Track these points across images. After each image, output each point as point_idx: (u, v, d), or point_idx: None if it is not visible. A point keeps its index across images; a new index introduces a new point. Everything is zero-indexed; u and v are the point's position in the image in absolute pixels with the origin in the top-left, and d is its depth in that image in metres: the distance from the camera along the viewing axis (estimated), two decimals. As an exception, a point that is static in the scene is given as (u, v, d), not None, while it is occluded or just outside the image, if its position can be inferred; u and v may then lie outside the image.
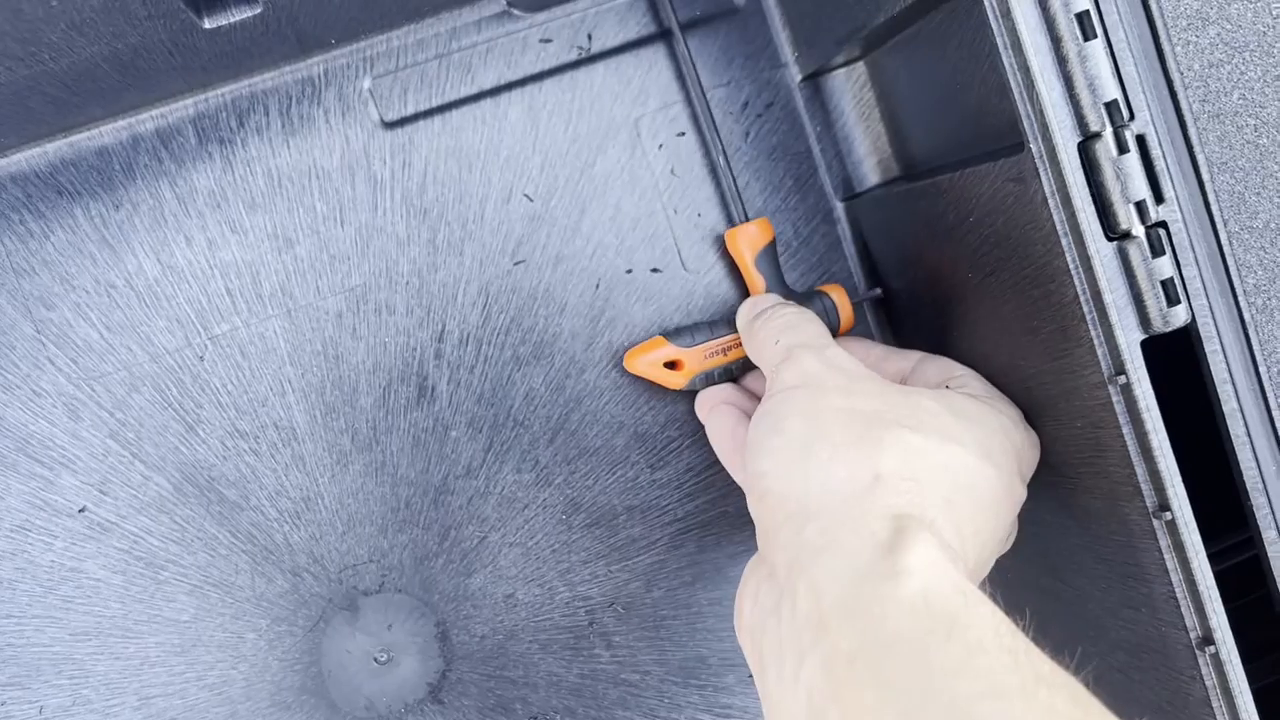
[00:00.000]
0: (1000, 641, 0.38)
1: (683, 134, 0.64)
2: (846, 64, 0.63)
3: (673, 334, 0.62)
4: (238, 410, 0.60)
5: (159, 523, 0.60)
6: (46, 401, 0.59)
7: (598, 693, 0.65)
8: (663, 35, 0.63)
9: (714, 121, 0.63)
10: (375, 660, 0.63)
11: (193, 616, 0.61)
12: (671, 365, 0.62)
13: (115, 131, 0.58)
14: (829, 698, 0.38)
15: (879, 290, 0.66)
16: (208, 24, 0.51)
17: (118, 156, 0.58)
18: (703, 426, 0.64)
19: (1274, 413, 0.48)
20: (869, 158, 0.65)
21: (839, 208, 0.66)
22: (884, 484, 0.45)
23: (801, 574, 0.42)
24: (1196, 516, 0.47)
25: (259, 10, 0.51)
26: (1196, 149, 0.47)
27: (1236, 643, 0.47)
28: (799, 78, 0.65)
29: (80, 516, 0.59)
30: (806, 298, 0.63)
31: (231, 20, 0.52)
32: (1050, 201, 0.46)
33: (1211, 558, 0.50)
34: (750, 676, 0.66)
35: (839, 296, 0.63)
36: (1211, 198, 0.47)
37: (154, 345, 0.59)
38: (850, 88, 0.64)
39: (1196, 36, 0.45)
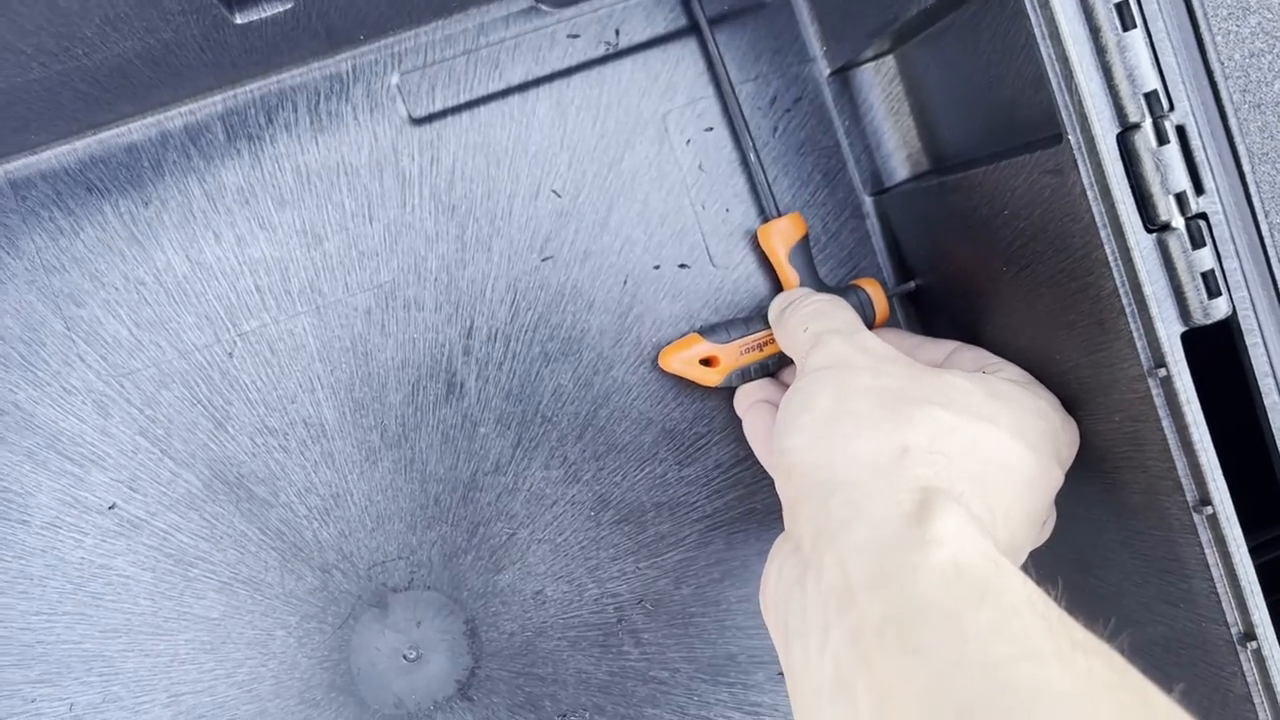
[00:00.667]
0: (1034, 608, 0.38)
1: (710, 129, 0.64)
2: (875, 58, 0.63)
3: (707, 330, 0.62)
4: (267, 407, 0.60)
5: (188, 519, 0.60)
6: (76, 399, 0.59)
7: (627, 690, 0.65)
8: (690, 30, 0.63)
9: (744, 116, 0.63)
10: (404, 657, 0.62)
11: (222, 613, 0.61)
12: (706, 362, 0.62)
13: (144, 128, 0.58)
14: (856, 668, 0.37)
15: (913, 283, 0.66)
16: (239, 19, 0.51)
17: (147, 153, 0.58)
18: (735, 422, 0.64)
19: (1316, 405, 0.47)
20: (898, 152, 0.64)
21: (868, 202, 0.66)
22: (911, 457, 0.44)
23: (828, 546, 0.42)
24: (1237, 510, 0.47)
25: (290, 5, 0.51)
26: (1237, 140, 0.46)
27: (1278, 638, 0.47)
28: (827, 72, 0.64)
29: (110, 513, 0.59)
30: (841, 293, 0.63)
31: (263, 15, 0.51)
32: (1089, 193, 0.45)
33: (1252, 551, 0.50)
34: (780, 674, 0.66)
35: (874, 290, 0.63)
36: (1253, 189, 0.46)
37: (183, 342, 0.59)
38: (879, 81, 0.64)
39: (1237, 26, 0.45)
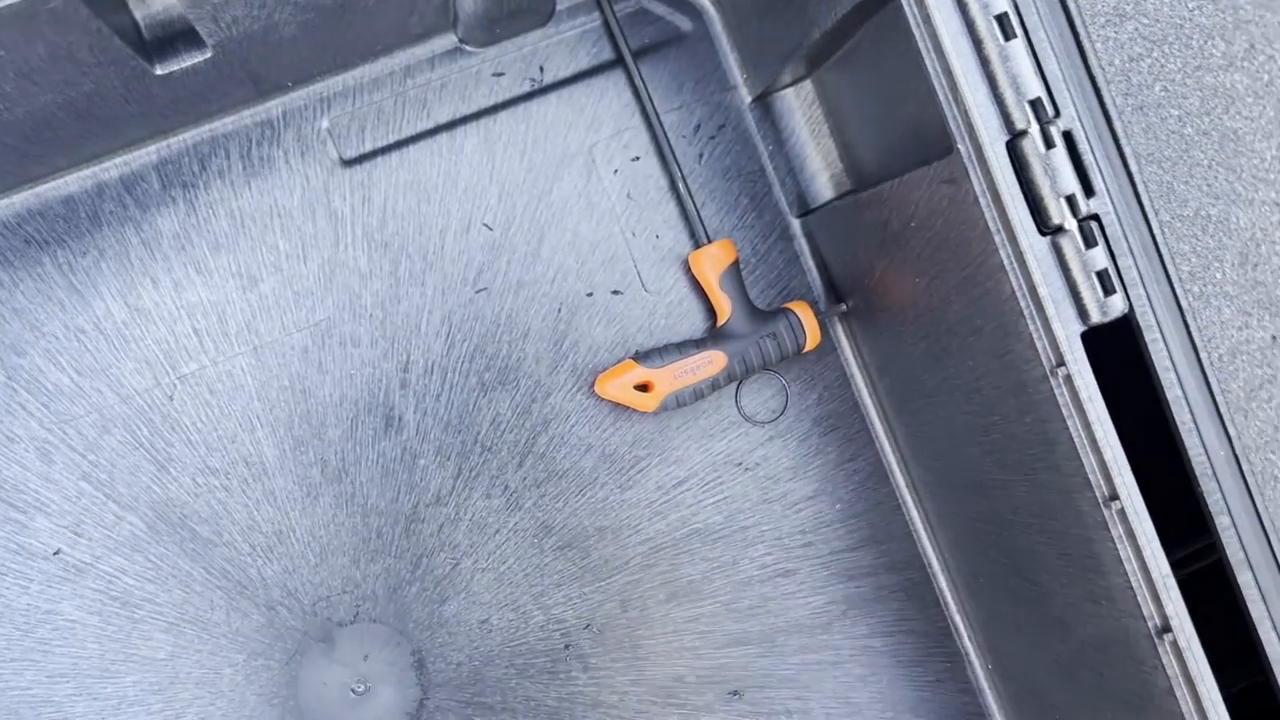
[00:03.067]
0: None
1: (637, 159, 0.65)
2: (794, 83, 0.65)
3: (642, 356, 0.63)
4: (208, 447, 0.61)
5: (133, 562, 0.61)
6: (19, 446, 0.60)
7: (576, 715, 0.65)
8: (613, 64, 0.65)
9: (670, 145, 0.64)
10: (352, 691, 0.63)
11: (169, 654, 0.61)
12: (642, 387, 0.63)
13: (80, 180, 0.60)
14: None
15: (844, 305, 0.67)
16: (159, 70, 0.53)
17: (84, 204, 0.60)
18: (673, 444, 0.65)
19: (1218, 399, 0.48)
20: (822, 173, 0.66)
21: (795, 224, 0.67)
22: None
23: None
24: (1169, 520, 0.47)
25: (209, 55, 0.53)
26: (1123, 142, 0.47)
27: (1209, 650, 0.47)
28: (749, 99, 0.66)
29: (55, 559, 0.60)
30: (772, 316, 0.64)
31: (183, 65, 0.53)
32: (981, 200, 0.47)
33: (1185, 560, 0.51)
34: (731, 693, 0.66)
35: (804, 313, 0.64)
36: (1141, 189, 0.48)
37: (124, 387, 0.60)
38: (800, 106, 0.65)
39: (1115, 32, 0.46)
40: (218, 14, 0.50)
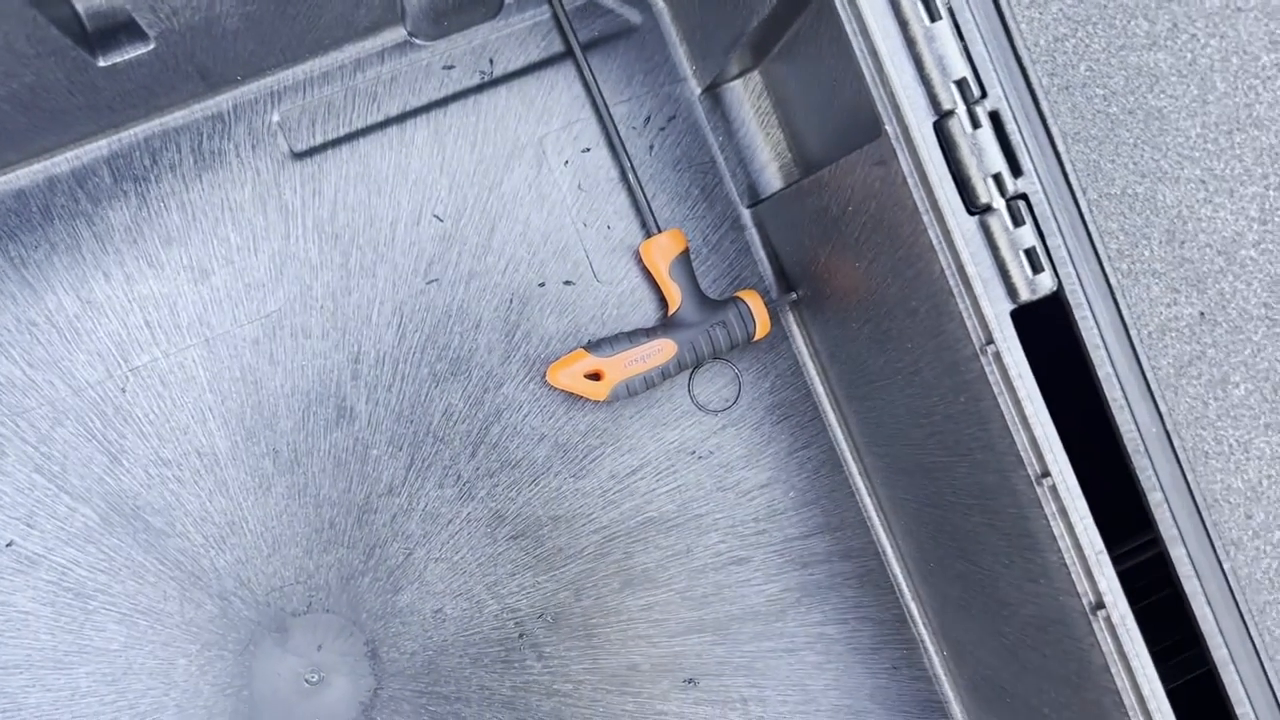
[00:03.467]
0: None
1: (588, 150, 0.66)
2: (742, 74, 0.65)
3: (593, 346, 0.64)
4: (160, 439, 0.62)
5: (86, 553, 0.61)
6: (-28, 439, 0.60)
7: (531, 705, 0.65)
8: (563, 56, 0.65)
9: (620, 136, 0.65)
10: (306, 681, 0.63)
11: (123, 645, 0.61)
12: (594, 376, 0.64)
13: (31, 174, 0.60)
14: None
15: (794, 294, 0.67)
16: (102, 62, 0.53)
17: (35, 198, 0.60)
18: (627, 433, 0.66)
19: (1148, 375, 0.48)
20: (771, 163, 0.66)
21: (746, 214, 0.67)
22: None
23: None
24: (1115, 515, 0.48)
25: (152, 46, 0.54)
26: (1050, 121, 0.48)
27: (1150, 641, 0.48)
28: (698, 90, 0.67)
29: (8, 551, 0.60)
30: (722, 305, 0.65)
31: (126, 57, 0.54)
32: (910, 180, 0.47)
33: (1127, 555, 0.51)
34: (686, 680, 0.66)
35: (754, 302, 0.65)
36: (1069, 168, 0.48)
37: (76, 379, 0.61)
38: (748, 97, 0.66)
39: (1039, 13, 0.47)
40: (156, 4, 0.50)
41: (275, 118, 0.63)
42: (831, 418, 0.68)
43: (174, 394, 0.62)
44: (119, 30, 0.53)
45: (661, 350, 0.63)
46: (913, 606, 0.68)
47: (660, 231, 0.65)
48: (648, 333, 0.64)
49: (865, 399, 0.63)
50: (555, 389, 0.65)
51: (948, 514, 0.58)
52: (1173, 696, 0.48)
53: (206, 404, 0.62)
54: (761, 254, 0.68)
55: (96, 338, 0.61)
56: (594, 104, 0.65)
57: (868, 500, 0.68)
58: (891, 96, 0.47)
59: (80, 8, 0.51)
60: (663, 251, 0.64)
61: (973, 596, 0.60)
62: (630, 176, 0.65)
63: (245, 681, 0.63)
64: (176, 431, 0.62)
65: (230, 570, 0.62)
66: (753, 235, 0.68)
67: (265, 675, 0.63)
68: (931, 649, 0.68)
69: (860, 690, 0.68)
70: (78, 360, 0.61)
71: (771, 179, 0.66)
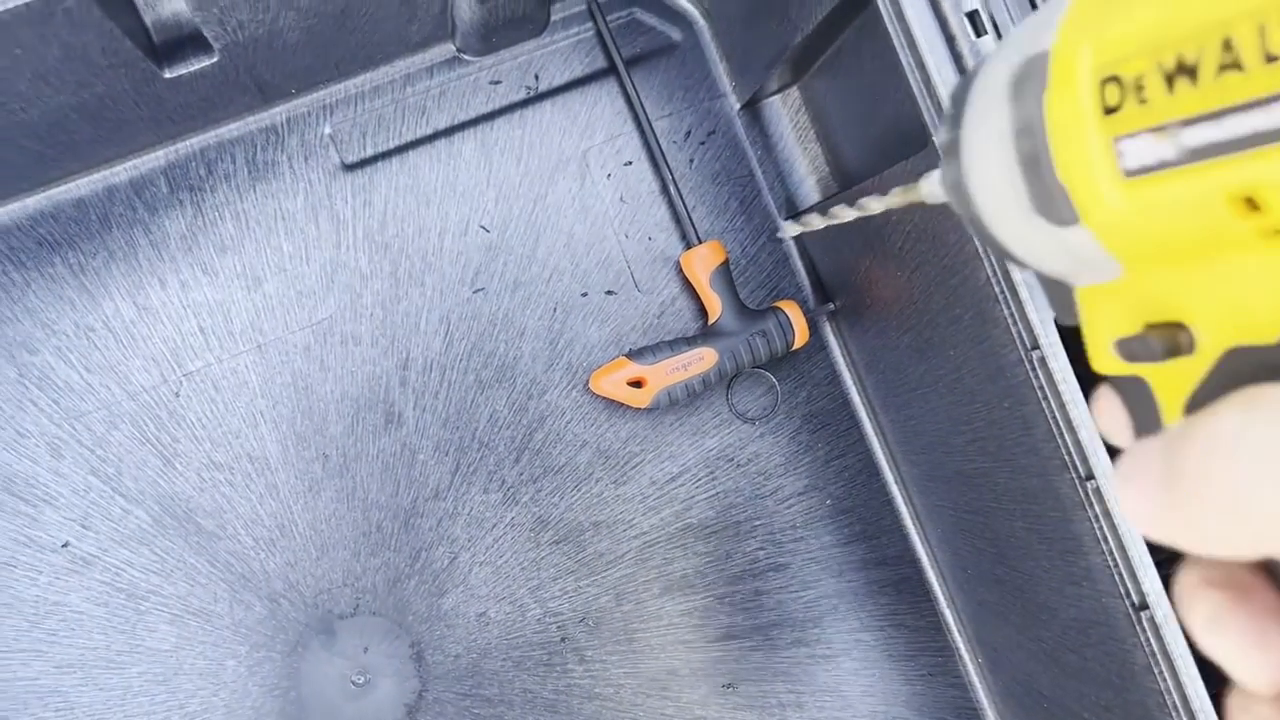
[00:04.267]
0: None
1: (630, 163, 0.67)
2: (781, 90, 0.67)
3: (635, 354, 0.65)
4: (213, 443, 0.63)
5: (139, 554, 0.62)
6: (30, 441, 0.61)
7: (572, 708, 0.66)
8: (606, 72, 0.67)
9: (662, 150, 0.66)
10: (353, 683, 0.64)
11: (174, 646, 0.62)
12: (635, 384, 0.65)
13: (91, 184, 0.62)
14: None
15: (832, 305, 0.69)
16: (168, 74, 0.55)
17: (94, 207, 0.62)
18: (666, 440, 0.67)
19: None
20: (809, 177, 0.68)
21: (784, 227, 0.69)
22: None
23: None
24: None
25: (216, 59, 0.55)
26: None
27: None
28: (738, 106, 0.68)
29: (63, 551, 0.62)
30: (761, 315, 0.66)
31: (190, 69, 0.55)
32: (957, 189, 0.49)
33: (1170, 557, 0.52)
34: (725, 686, 0.67)
35: (793, 312, 0.66)
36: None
37: (131, 383, 0.62)
38: (787, 112, 0.67)
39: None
40: (224, 17, 0.52)
41: (327, 130, 0.64)
42: (868, 426, 0.69)
43: (226, 399, 0.63)
44: (185, 43, 0.55)
45: (702, 359, 0.65)
46: (947, 613, 0.69)
47: (701, 243, 0.66)
48: (689, 341, 0.65)
49: (904, 407, 0.64)
50: (597, 396, 0.66)
51: (988, 520, 0.60)
52: (1215, 699, 0.49)
53: (258, 409, 0.63)
54: (799, 265, 0.69)
55: (152, 343, 0.63)
56: (636, 119, 0.67)
57: (903, 507, 0.69)
58: (939, 107, 0.48)
59: (149, 21, 0.53)
60: (703, 262, 0.66)
61: (1011, 601, 0.61)
62: (671, 189, 0.66)
63: (293, 683, 0.64)
64: (229, 435, 0.63)
65: (279, 573, 0.63)
66: (790, 246, 0.69)
67: (312, 677, 0.64)
68: (966, 655, 0.69)
69: (896, 697, 0.69)
70: (133, 365, 0.62)
71: (809, 192, 0.68)
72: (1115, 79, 0.24)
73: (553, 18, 0.66)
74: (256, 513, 0.63)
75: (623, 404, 0.66)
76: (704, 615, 0.67)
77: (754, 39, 0.63)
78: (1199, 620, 0.25)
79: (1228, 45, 0.21)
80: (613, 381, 0.65)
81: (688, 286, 0.68)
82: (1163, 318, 0.26)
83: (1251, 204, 0.22)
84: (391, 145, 0.65)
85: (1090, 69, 0.25)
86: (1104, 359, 0.28)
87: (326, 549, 0.64)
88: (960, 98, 0.31)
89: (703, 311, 0.68)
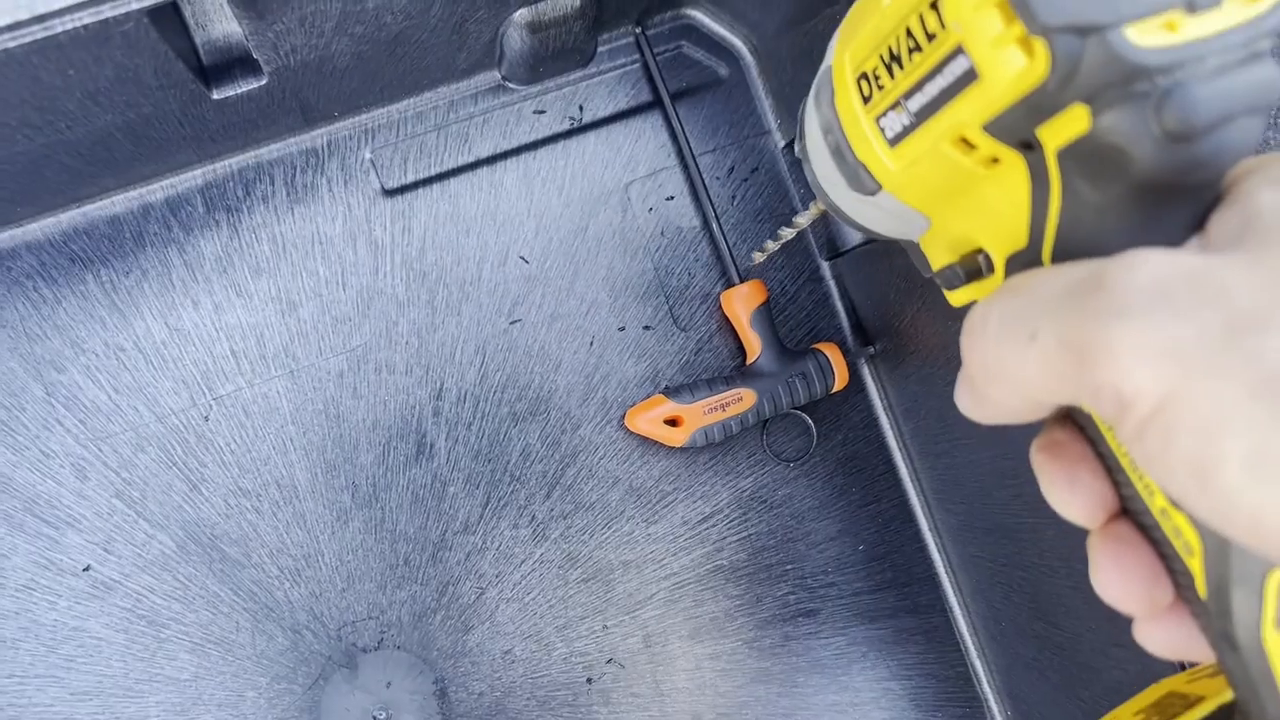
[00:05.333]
0: None
1: (672, 198, 0.66)
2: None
3: (672, 391, 0.64)
4: (240, 469, 0.62)
5: (162, 581, 0.61)
6: (55, 462, 0.60)
7: (596, 750, 0.65)
8: (651, 105, 0.66)
9: (705, 187, 0.65)
10: (374, 718, 0.63)
11: (193, 675, 0.61)
12: (672, 422, 0.64)
13: (127, 201, 0.61)
14: None
15: (872, 348, 0.68)
16: (216, 95, 0.54)
17: (129, 225, 0.61)
18: (700, 480, 0.66)
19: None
20: (852, 218, 0.67)
21: (825, 266, 0.68)
22: None
23: None
24: None
25: (264, 82, 0.54)
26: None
27: None
28: (782, 144, 0.67)
29: (84, 575, 0.60)
30: (801, 356, 0.65)
31: (239, 91, 0.54)
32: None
33: None
34: (749, 732, 0.66)
35: (833, 354, 0.65)
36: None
37: (160, 406, 0.61)
38: (832, 151, 0.66)
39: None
40: (278, 41, 0.51)
41: (368, 154, 0.63)
42: (904, 472, 0.68)
43: (257, 424, 0.62)
44: (234, 65, 0.54)
45: (741, 399, 0.64)
46: (978, 665, 0.68)
47: (742, 281, 0.66)
48: (727, 380, 0.64)
49: (943, 455, 0.64)
50: (632, 433, 0.65)
51: (1028, 575, 0.59)
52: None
53: (289, 435, 0.62)
54: (839, 306, 0.68)
55: (182, 365, 0.61)
56: (680, 153, 0.66)
57: (937, 556, 0.68)
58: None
59: (200, 42, 0.52)
60: (744, 301, 0.65)
61: (1049, 659, 0.60)
62: (714, 226, 0.66)
63: (313, 716, 0.62)
64: (257, 462, 0.62)
65: (304, 603, 0.62)
66: (830, 288, 0.68)
67: (333, 710, 0.62)
68: (995, 708, 0.68)
69: (923, 747, 0.68)
70: (163, 387, 0.61)
71: (851, 233, 0.67)
72: (864, 75, 0.32)
73: (599, 49, 0.65)
74: (283, 541, 0.62)
75: (658, 441, 0.65)
76: (732, 660, 0.66)
77: (805, 78, 0.62)
78: (1039, 478, 0.31)
79: (909, 33, 0.28)
80: (648, 419, 0.64)
81: (727, 325, 0.67)
82: (968, 248, 0.33)
83: (967, 143, 0.29)
84: (433, 172, 0.64)
85: (850, 71, 0.32)
86: (950, 295, 0.36)
87: (352, 580, 0.63)
88: (800, 117, 0.40)
89: (741, 350, 0.67)
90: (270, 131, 0.61)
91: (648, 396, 0.65)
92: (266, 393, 0.62)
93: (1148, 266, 0.23)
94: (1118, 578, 0.29)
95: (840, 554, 0.67)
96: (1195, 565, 0.27)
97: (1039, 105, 0.26)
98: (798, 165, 0.68)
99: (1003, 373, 0.26)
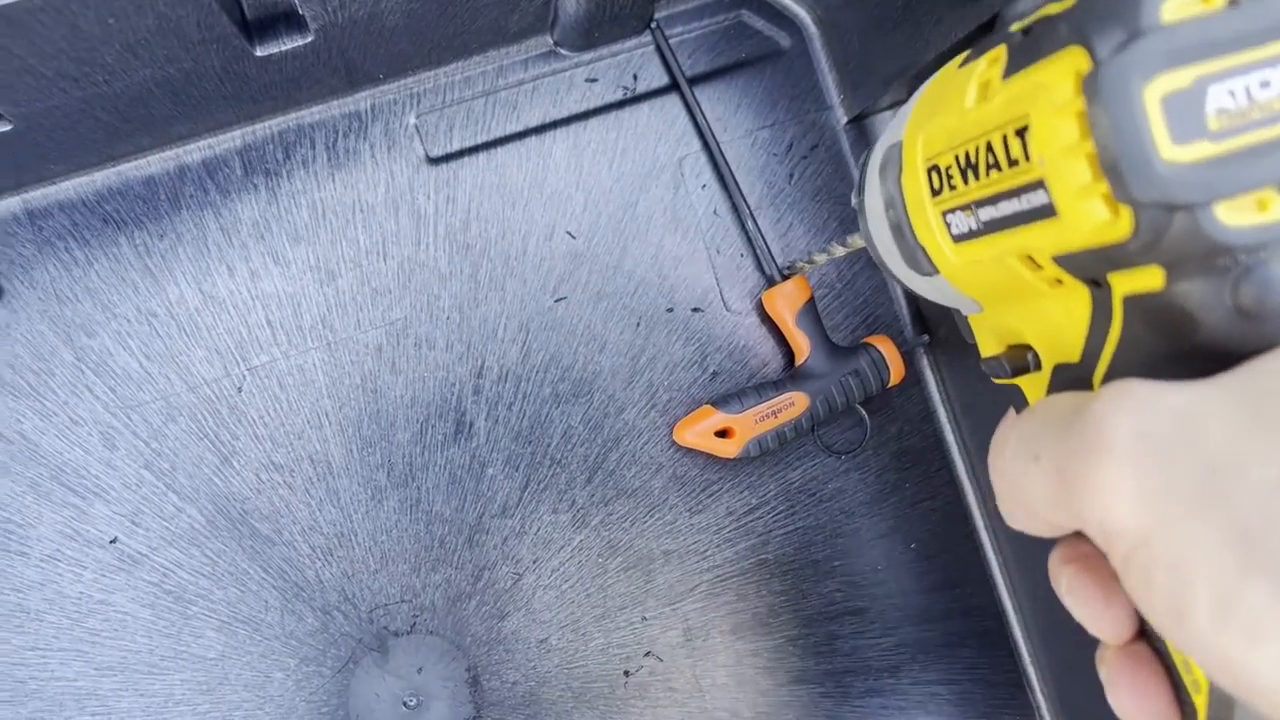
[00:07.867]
0: None
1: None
2: (892, 106, 0.63)
3: (720, 401, 0.61)
4: (273, 442, 0.60)
5: (190, 556, 0.59)
6: (83, 430, 0.58)
7: (632, 745, 0.63)
8: (708, 76, 0.63)
9: (738, 183, 0.62)
10: (404, 704, 0.61)
11: (220, 654, 0.59)
12: (722, 434, 0.61)
13: (163, 161, 0.59)
14: None
15: (927, 337, 0.65)
16: (259, 51, 0.51)
17: (164, 186, 0.59)
18: (746, 470, 0.63)
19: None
20: (915, 200, 0.64)
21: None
22: None
23: None
24: None
25: (310, 39, 0.52)
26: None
27: None
28: (844, 120, 0.64)
29: (111, 547, 0.58)
30: (853, 353, 0.62)
31: (283, 48, 0.52)
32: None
33: None
34: (790, 732, 0.64)
35: (886, 348, 0.62)
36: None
37: (192, 375, 0.59)
38: (896, 130, 0.63)
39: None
40: (327, -3, 0.49)
41: (413, 120, 0.61)
42: (960, 469, 0.65)
43: (291, 397, 0.60)
44: (279, 20, 0.51)
45: (793, 403, 0.61)
46: (1030, 670, 0.65)
47: (783, 279, 0.62)
48: (776, 385, 0.61)
49: (1005, 453, 0.61)
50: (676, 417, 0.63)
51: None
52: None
53: (324, 409, 0.60)
54: (898, 292, 0.65)
55: (216, 334, 0.59)
56: (704, 140, 0.63)
57: (992, 557, 0.65)
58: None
59: (245, -5, 0.50)
60: (788, 300, 0.62)
61: (1084, 685, 0.57)
62: (749, 223, 0.62)
63: (341, 700, 0.60)
64: (291, 436, 0.60)
65: (335, 584, 0.60)
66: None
67: (362, 695, 0.60)
68: (1047, 717, 0.65)
69: (969, 754, 0.65)
70: (195, 356, 0.59)
71: (914, 217, 0.64)
72: (936, 169, 0.31)
73: (656, 15, 0.62)
74: (315, 519, 0.60)
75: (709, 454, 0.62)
76: (774, 657, 0.63)
77: (874, 51, 0.59)
78: (1062, 589, 0.30)
79: (989, 148, 0.28)
80: (698, 432, 0.61)
81: (770, 324, 0.64)
82: (1017, 340, 0.34)
83: (1033, 262, 0.28)
84: (479, 140, 0.61)
85: (922, 158, 0.32)
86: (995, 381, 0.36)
87: (386, 562, 0.60)
88: (862, 169, 0.38)
89: (789, 348, 0.64)
90: (313, 92, 0.58)
91: (697, 407, 0.62)
92: (302, 365, 0.60)
93: (1132, 402, 0.23)
94: (1132, 703, 0.29)
95: (890, 552, 0.65)
96: (1200, 702, 0.27)
97: (1114, 258, 0.25)
98: (861, 143, 0.65)
99: (1015, 492, 0.27)
